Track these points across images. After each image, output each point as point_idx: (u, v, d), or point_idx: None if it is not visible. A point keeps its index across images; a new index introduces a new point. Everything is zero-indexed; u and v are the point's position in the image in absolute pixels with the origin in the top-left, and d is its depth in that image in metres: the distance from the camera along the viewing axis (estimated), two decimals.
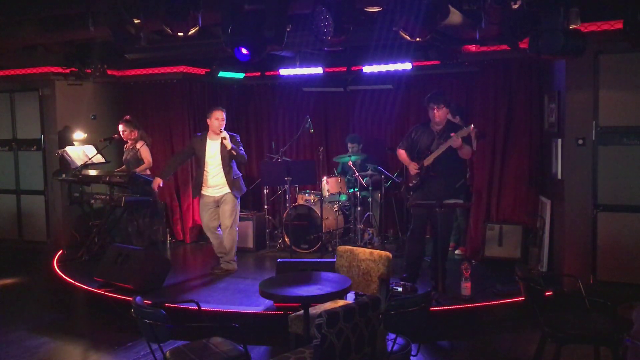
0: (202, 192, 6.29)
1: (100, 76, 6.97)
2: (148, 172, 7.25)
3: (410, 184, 5.67)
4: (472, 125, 5.34)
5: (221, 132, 6.15)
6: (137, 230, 7.16)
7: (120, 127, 7.19)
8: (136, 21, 4.43)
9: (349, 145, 7.73)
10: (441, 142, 5.43)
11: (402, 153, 5.78)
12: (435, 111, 5.46)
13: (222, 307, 5.24)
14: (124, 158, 7.32)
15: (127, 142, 7.31)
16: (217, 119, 6.18)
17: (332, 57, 7.15)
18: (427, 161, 5.49)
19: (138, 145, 7.15)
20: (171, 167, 6.54)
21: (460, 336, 4.95)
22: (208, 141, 6.26)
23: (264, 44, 4.31)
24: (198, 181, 6.30)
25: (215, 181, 6.24)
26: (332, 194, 7.39)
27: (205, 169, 6.24)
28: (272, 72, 7.74)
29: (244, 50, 4.40)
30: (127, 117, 7.28)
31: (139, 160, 7.13)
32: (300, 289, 3.83)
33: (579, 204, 5.67)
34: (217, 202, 6.30)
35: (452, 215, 6.26)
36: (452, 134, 5.33)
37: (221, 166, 6.22)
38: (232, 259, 6.47)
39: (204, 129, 8.46)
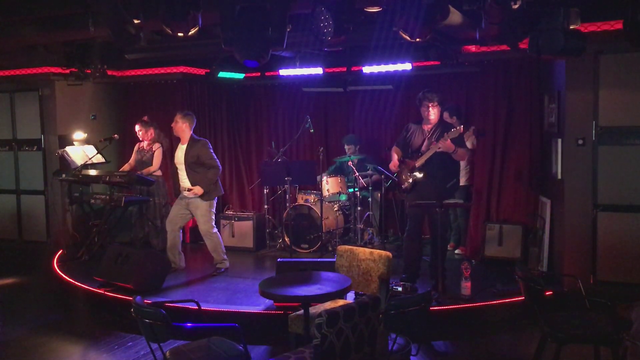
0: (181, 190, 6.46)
1: (100, 76, 6.96)
2: (159, 172, 7.24)
3: (403, 186, 5.67)
4: (462, 127, 5.33)
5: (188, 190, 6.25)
6: (156, 230, 7.16)
7: (137, 127, 7.19)
8: (136, 21, 4.43)
9: (346, 146, 7.73)
10: (432, 142, 5.43)
11: (394, 150, 5.79)
12: (430, 107, 5.45)
13: (222, 307, 5.25)
14: (138, 158, 7.27)
15: (141, 142, 7.29)
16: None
17: (332, 57, 7.15)
18: (418, 163, 5.49)
19: (154, 148, 7.15)
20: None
21: (460, 336, 4.95)
22: (180, 146, 6.39)
23: (267, 46, 4.30)
24: (175, 179, 6.54)
25: (183, 184, 6.33)
26: (332, 194, 7.39)
27: (178, 170, 6.43)
28: (272, 73, 7.74)
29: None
30: (145, 117, 7.27)
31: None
32: (300, 288, 3.83)
33: (579, 204, 5.67)
34: (188, 204, 6.32)
35: (449, 215, 6.27)
36: (432, 145, 5.35)
37: (185, 172, 6.30)
38: (222, 259, 6.47)
39: (204, 129, 8.50)
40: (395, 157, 5.73)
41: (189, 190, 6.19)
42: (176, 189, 6.55)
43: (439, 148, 5.34)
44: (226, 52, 6.00)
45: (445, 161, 5.45)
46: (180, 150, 6.37)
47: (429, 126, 5.57)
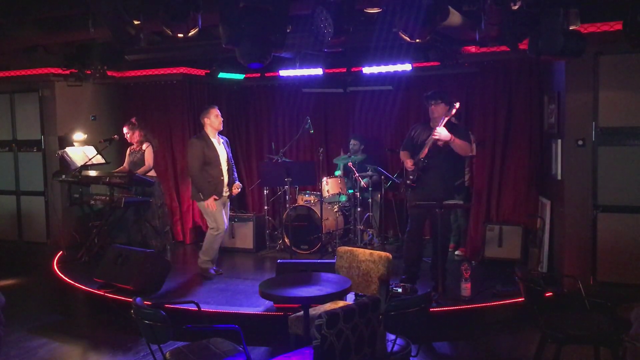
0: (223, 193, 6.21)
1: (100, 77, 6.96)
2: (154, 173, 7.23)
3: (408, 181, 5.68)
4: (457, 105, 5.36)
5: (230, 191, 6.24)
6: (154, 232, 7.14)
7: (125, 130, 7.19)
8: (136, 22, 4.43)
9: (352, 142, 7.72)
10: (433, 133, 5.44)
11: (404, 154, 5.80)
12: (433, 107, 5.51)
13: (222, 308, 5.25)
14: (130, 160, 7.26)
15: (132, 144, 7.29)
16: (217, 116, 6.17)
17: (332, 58, 7.16)
18: (422, 154, 5.51)
19: (144, 147, 7.15)
20: (206, 180, 6.12)
21: (460, 337, 4.95)
22: (214, 141, 6.19)
23: (269, 48, 4.30)
24: (217, 182, 6.12)
25: (226, 181, 6.24)
26: (332, 195, 7.39)
27: (221, 169, 6.16)
28: (272, 73, 7.74)
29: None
30: (133, 119, 7.26)
31: (144, 162, 7.14)
32: (300, 289, 3.83)
33: (579, 204, 5.67)
34: (224, 204, 6.27)
35: (450, 216, 6.27)
36: (433, 132, 5.35)
37: (227, 167, 6.23)
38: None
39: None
40: (407, 158, 5.72)
41: (233, 187, 6.21)
42: (217, 191, 6.10)
43: (436, 135, 5.33)
44: (226, 52, 6.00)
45: (451, 157, 5.46)
46: (218, 145, 6.19)
47: (436, 125, 5.58)
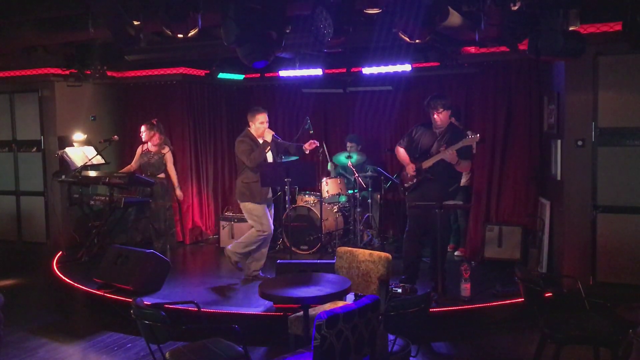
0: (268, 195, 6.17)
1: (99, 77, 6.96)
2: (163, 175, 7.11)
3: (406, 184, 5.68)
4: (478, 135, 5.34)
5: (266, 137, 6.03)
6: (157, 234, 7.11)
7: (142, 128, 7.05)
8: (136, 22, 4.44)
9: (348, 144, 7.73)
10: (442, 144, 5.45)
11: (401, 151, 5.77)
12: (436, 116, 5.49)
13: (222, 309, 5.25)
14: (145, 161, 7.08)
15: (143, 144, 7.16)
16: (263, 123, 6.02)
17: (332, 58, 7.16)
18: (426, 164, 5.50)
19: (164, 151, 7.05)
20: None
21: (460, 337, 4.95)
22: (262, 144, 6.06)
23: (272, 47, 4.30)
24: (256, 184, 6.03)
25: None
26: (331, 195, 7.38)
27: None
28: (271, 74, 7.75)
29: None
30: (154, 120, 7.12)
31: (162, 165, 7.05)
32: (299, 290, 3.83)
33: (579, 205, 5.67)
34: (267, 206, 6.16)
35: (449, 216, 6.28)
36: (442, 148, 5.36)
37: None
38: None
39: (204, 130, 8.46)
40: (407, 159, 5.69)
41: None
42: (261, 193, 6.11)
43: (443, 157, 5.36)
44: (226, 53, 6.01)
45: (450, 165, 5.45)
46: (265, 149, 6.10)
47: (440, 129, 5.58)
